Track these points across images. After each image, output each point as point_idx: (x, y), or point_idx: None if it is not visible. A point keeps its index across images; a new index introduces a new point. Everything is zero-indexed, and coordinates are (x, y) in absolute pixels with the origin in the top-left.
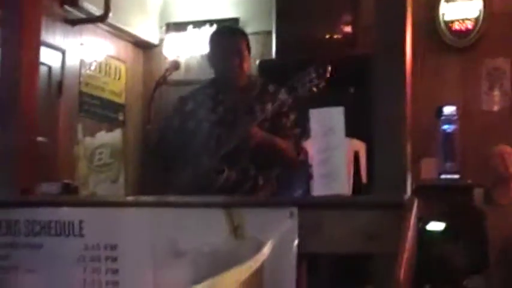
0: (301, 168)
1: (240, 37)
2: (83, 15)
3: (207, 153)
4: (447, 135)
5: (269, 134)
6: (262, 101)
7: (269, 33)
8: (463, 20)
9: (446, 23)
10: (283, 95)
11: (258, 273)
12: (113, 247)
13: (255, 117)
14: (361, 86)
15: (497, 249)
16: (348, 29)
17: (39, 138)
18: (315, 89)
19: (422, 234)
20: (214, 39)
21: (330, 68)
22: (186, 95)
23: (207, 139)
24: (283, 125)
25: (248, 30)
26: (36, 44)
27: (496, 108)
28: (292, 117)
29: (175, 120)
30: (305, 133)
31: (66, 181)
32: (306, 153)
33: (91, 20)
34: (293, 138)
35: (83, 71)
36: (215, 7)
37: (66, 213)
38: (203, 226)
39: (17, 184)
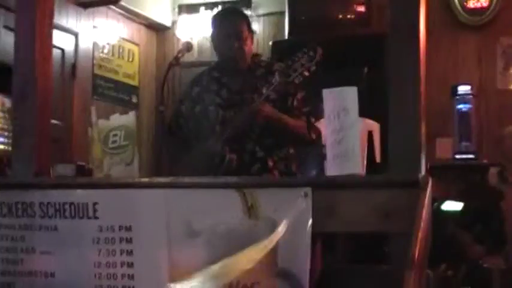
0: (313, 147)
1: (240, 18)
2: None
3: (213, 137)
4: (462, 115)
5: (277, 111)
6: (268, 80)
7: (282, 13)
8: None
9: (461, 1)
10: (273, 79)
11: (273, 252)
12: (128, 228)
13: (262, 94)
14: (375, 66)
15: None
16: (361, 8)
17: (54, 121)
18: (306, 73)
19: (438, 214)
20: (215, 21)
21: (320, 51)
22: (193, 79)
23: (213, 122)
24: (291, 104)
25: (261, 11)
26: (50, 28)
27: (511, 86)
28: (299, 96)
29: (184, 105)
30: (316, 111)
31: (80, 163)
32: (318, 131)
33: (103, 2)
34: (303, 116)
35: (96, 53)
36: None
37: (80, 195)
38: (217, 206)
39: (32, 166)
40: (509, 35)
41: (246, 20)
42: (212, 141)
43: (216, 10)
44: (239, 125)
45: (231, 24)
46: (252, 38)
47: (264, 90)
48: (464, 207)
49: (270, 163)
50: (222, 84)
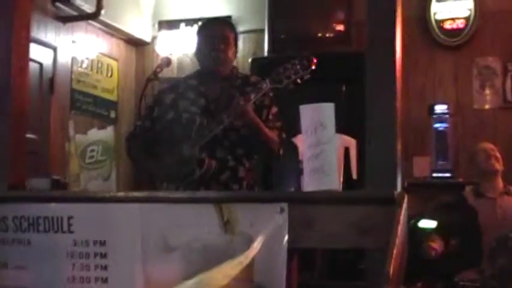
0: (287, 165)
1: (227, 25)
2: (74, 13)
3: (188, 143)
4: (439, 133)
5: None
6: (245, 91)
7: (262, 31)
8: (454, 19)
9: (438, 22)
10: (263, 87)
11: (249, 268)
12: (102, 243)
13: (250, 99)
14: (354, 83)
15: (488, 242)
16: (340, 26)
17: (30, 135)
18: (299, 81)
19: (415, 232)
20: (201, 27)
21: (315, 60)
22: (166, 87)
23: (187, 129)
24: (265, 117)
25: (241, 28)
26: (27, 42)
27: (487, 106)
28: (274, 110)
29: (154, 111)
30: (294, 127)
31: (55, 177)
32: (283, 147)
33: (83, 17)
34: (276, 130)
35: (74, 68)
36: (207, 5)
37: (55, 209)
38: (193, 221)
39: (6, 180)
40: (484, 56)
41: (233, 29)
42: (188, 148)
43: (196, 26)
44: (226, 121)
45: (217, 27)
46: (235, 50)
47: (253, 96)
48: (439, 224)
49: (241, 173)
50: (199, 92)
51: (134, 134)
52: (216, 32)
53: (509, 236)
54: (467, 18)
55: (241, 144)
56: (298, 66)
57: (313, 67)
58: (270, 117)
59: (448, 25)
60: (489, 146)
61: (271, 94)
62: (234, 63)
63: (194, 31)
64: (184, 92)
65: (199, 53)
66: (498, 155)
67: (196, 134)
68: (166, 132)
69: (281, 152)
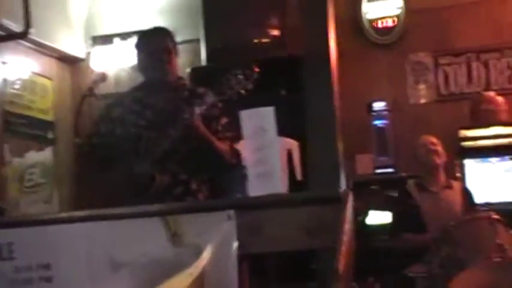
0: (234, 172)
1: (165, 34)
2: (2, 33)
3: (138, 159)
4: (379, 130)
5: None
6: (192, 102)
7: (198, 41)
8: (384, 17)
9: (370, 21)
10: (210, 98)
11: (200, 279)
12: (46, 266)
13: (194, 112)
14: (292, 87)
15: (432, 233)
16: (275, 32)
17: None
18: (243, 91)
19: (362, 228)
20: (140, 40)
21: (257, 69)
22: (112, 102)
23: (136, 144)
24: (215, 129)
25: (177, 39)
26: None
27: (422, 101)
28: (223, 121)
29: (101, 127)
30: (238, 137)
31: None
32: (239, 156)
33: (11, 37)
34: (226, 141)
35: (6, 90)
36: (142, 18)
37: None
38: (140, 236)
39: None
40: (416, 52)
41: (173, 39)
42: (138, 163)
43: (131, 40)
44: (173, 138)
45: (158, 38)
46: (176, 56)
47: (198, 110)
48: (385, 219)
49: (194, 186)
50: (146, 104)
51: (84, 152)
52: (157, 44)
53: (451, 226)
54: (398, 16)
55: (192, 156)
56: (241, 77)
57: (256, 76)
58: (219, 128)
59: (379, 24)
60: (430, 140)
61: (219, 105)
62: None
63: (129, 45)
64: (131, 105)
65: (142, 65)
66: (439, 148)
67: (144, 150)
68: (115, 148)
69: (234, 162)
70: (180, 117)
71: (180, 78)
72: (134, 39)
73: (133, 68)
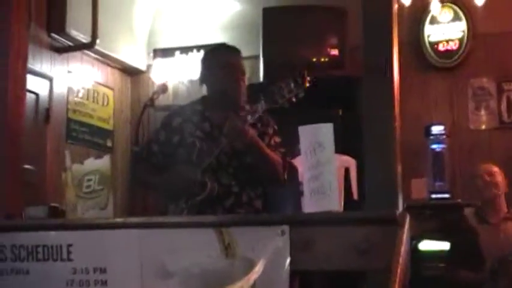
0: (285, 187)
1: (239, 53)
2: (70, 43)
3: (190, 167)
4: (436, 155)
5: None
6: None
7: (256, 57)
8: (447, 40)
9: (432, 44)
10: (259, 106)
11: None
12: (102, 270)
13: (246, 121)
14: (350, 107)
15: (490, 263)
16: (334, 51)
17: (27, 166)
18: (294, 99)
19: (416, 254)
20: (211, 52)
21: (308, 78)
22: (174, 111)
23: (190, 153)
24: (267, 143)
25: None
26: (23, 72)
27: (483, 127)
28: (276, 139)
29: (161, 134)
30: (293, 152)
31: (53, 204)
32: (293, 170)
33: (78, 47)
34: (279, 153)
35: (70, 98)
36: (202, 33)
37: (53, 237)
38: (193, 246)
39: (3, 209)
40: (479, 77)
41: (242, 58)
42: (190, 170)
43: (191, 54)
44: (224, 143)
45: (231, 54)
46: (245, 79)
47: (249, 118)
48: (441, 246)
49: (244, 198)
50: (204, 117)
51: (141, 157)
52: (233, 61)
53: (509, 259)
54: (460, 40)
55: (245, 170)
56: (292, 85)
57: (308, 84)
58: (272, 143)
59: (441, 47)
60: (488, 170)
61: (275, 127)
62: None
63: (189, 59)
64: (191, 116)
65: (209, 79)
66: (499, 179)
67: (197, 158)
68: (172, 156)
69: (286, 177)
70: (232, 124)
71: (244, 101)
72: (194, 54)
73: (192, 81)
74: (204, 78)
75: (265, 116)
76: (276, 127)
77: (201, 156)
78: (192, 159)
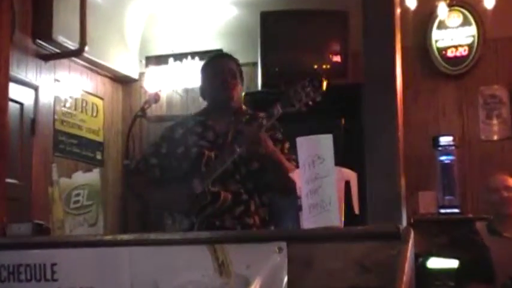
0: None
1: (232, 60)
2: (57, 50)
3: (198, 178)
4: (445, 167)
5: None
6: (253, 125)
7: (254, 64)
8: (456, 46)
9: (440, 50)
10: (275, 110)
11: None
12: None
13: (262, 125)
14: (352, 116)
15: (502, 279)
16: (337, 58)
17: (11, 180)
18: (311, 103)
19: (424, 271)
20: (206, 64)
21: (325, 81)
22: (175, 123)
23: (197, 163)
24: (280, 151)
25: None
26: (5, 81)
27: (495, 137)
28: (287, 145)
29: (163, 147)
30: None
31: (38, 221)
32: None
33: (66, 54)
34: (293, 162)
35: (57, 108)
36: (197, 39)
37: (37, 256)
38: (186, 264)
39: None
40: (490, 84)
41: (238, 64)
42: (197, 182)
43: (185, 62)
44: (238, 151)
45: (224, 62)
46: (241, 84)
47: (265, 122)
48: (450, 263)
49: (253, 207)
50: (207, 126)
51: (138, 171)
52: (224, 67)
53: None
54: (470, 45)
55: (252, 178)
56: (308, 89)
57: (324, 88)
58: (285, 150)
59: (450, 53)
60: (504, 183)
61: (281, 130)
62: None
63: (183, 66)
64: (193, 127)
65: (209, 89)
66: None
67: (206, 168)
68: (176, 167)
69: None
70: (245, 131)
71: (242, 104)
72: (189, 61)
73: (186, 90)
74: (202, 91)
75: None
76: (282, 131)
77: (209, 165)
78: (201, 169)
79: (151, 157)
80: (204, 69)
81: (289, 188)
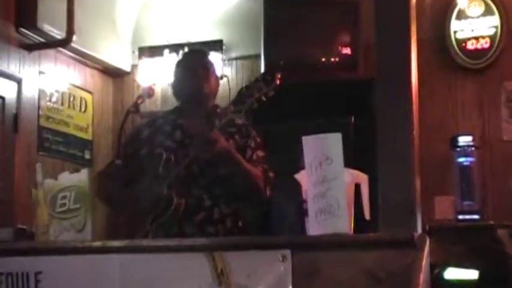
0: (264, 207)
1: (205, 56)
2: (42, 39)
3: (158, 180)
4: (463, 169)
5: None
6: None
7: (257, 57)
8: (477, 38)
9: (459, 41)
10: (228, 110)
11: None
12: None
13: (213, 125)
14: (363, 113)
15: None
16: (346, 50)
17: None
18: (264, 98)
19: (440, 283)
20: (179, 61)
21: (278, 75)
22: (143, 123)
23: (157, 165)
24: (249, 157)
25: (233, 54)
26: None
27: None
28: (260, 153)
29: (128, 148)
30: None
31: (20, 226)
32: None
33: (52, 44)
34: (260, 167)
35: (42, 103)
36: (194, 28)
37: (19, 264)
38: (181, 273)
39: None
40: None
41: (210, 62)
42: (157, 184)
43: (181, 53)
44: (192, 153)
45: (195, 58)
46: (217, 81)
47: (217, 122)
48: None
49: (216, 215)
50: (177, 125)
51: (108, 172)
52: (194, 64)
53: None
54: (492, 37)
55: (219, 183)
56: (261, 83)
57: (278, 82)
58: (254, 157)
59: (470, 45)
60: None
61: (258, 139)
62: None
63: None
64: (161, 125)
65: (177, 85)
66: None
67: (163, 170)
68: (140, 170)
69: (268, 193)
70: (195, 131)
71: (216, 106)
72: (185, 51)
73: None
74: (173, 88)
75: (245, 127)
76: (259, 140)
77: (167, 168)
78: (160, 172)
79: (117, 157)
80: (176, 66)
81: (253, 194)
